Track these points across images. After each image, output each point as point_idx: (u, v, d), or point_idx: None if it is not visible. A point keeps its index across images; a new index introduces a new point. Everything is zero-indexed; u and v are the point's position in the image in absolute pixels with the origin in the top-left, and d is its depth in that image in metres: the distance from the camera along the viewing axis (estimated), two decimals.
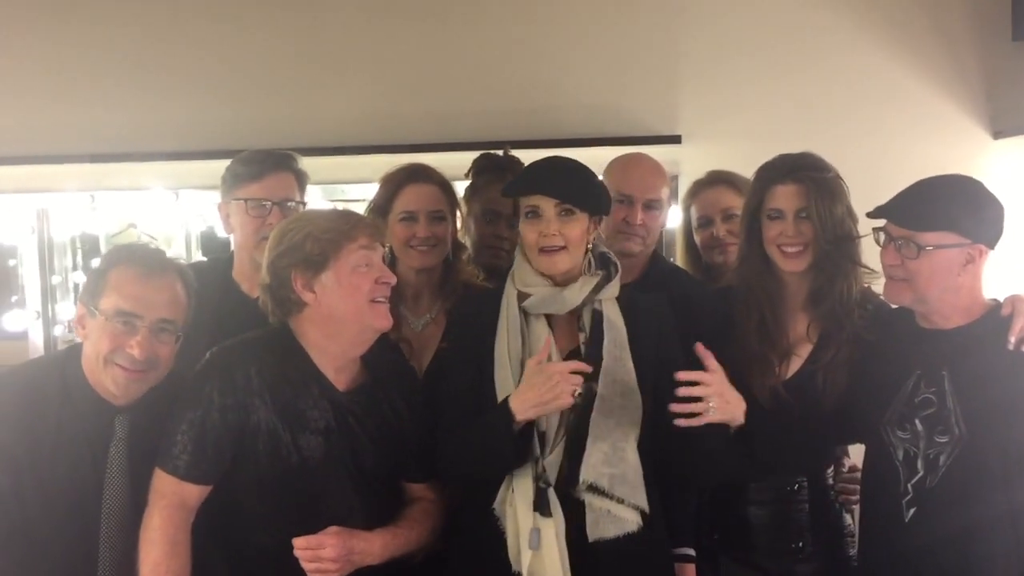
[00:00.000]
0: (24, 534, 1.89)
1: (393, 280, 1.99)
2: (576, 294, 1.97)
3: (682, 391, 1.86)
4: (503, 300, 2.00)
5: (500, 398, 1.90)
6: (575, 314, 1.99)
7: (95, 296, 1.93)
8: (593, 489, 1.88)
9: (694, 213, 2.70)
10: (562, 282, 1.96)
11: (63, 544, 1.91)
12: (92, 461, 1.93)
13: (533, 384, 1.83)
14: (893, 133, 3.37)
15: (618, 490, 1.89)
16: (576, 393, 1.83)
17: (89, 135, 3.57)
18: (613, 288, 2.00)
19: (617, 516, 1.90)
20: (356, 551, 1.92)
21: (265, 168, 2.39)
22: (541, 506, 1.87)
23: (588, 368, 1.86)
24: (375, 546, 1.95)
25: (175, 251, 3.81)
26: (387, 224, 2.33)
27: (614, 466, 1.90)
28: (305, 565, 1.89)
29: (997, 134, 3.41)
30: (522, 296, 1.97)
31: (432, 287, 2.39)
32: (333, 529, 1.91)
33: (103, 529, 1.94)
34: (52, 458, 1.90)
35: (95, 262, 3.78)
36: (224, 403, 1.90)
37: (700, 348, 1.91)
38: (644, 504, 1.92)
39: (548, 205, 1.94)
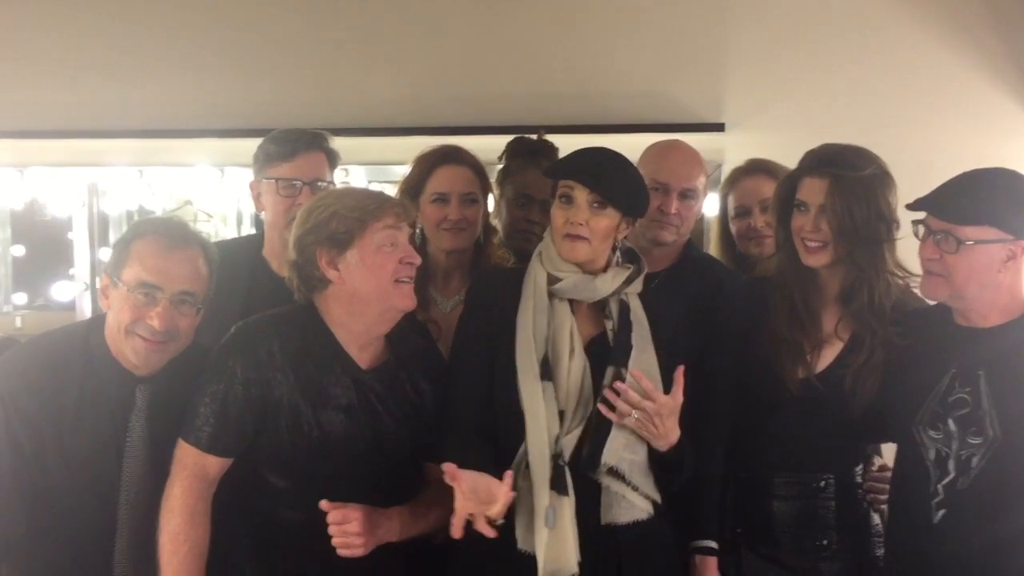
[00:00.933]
0: (46, 500, 1.92)
1: (418, 260, 1.98)
2: (608, 284, 1.97)
3: (621, 386, 1.86)
4: (529, 280, 1.99)
5: (521, 371, 1.90)
6: (599, 303, 1.99)
7: (118, 267, 1.96)
8: (612, 473, 1.89)
9: (731, 202, 2.64)
10: (588, 271, 1.96)
11: (83, 511, 1.94)
12: (113, 430, 1.96)
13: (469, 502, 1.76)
14: (944, 125, 3.30)
15: (635, 477, 1.91)
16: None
17: (138, 111, 3.64)
18: (639, 283, 2.01)
19: (631, 502, 1.91)
20: (379, 527, 1.92)
21: (297, 148, 2.39)
22: (558, 484, 1.86)
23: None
24: (395, 523, 1.95)
25: (230, 229, 3.88)
26: (418, 205, 2.32)
27: (635, 453, 1.91)
28: (335, 540, 1.89)
29: None
30: (551, 279, 1.96)
31: (462, 269, 2.39)
32: (356, 505, 1.91)
33: (122, 497, 1.97)
34: (74, 426, 1.93)
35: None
36: (247, 377, 1.92)
37: (679, 374, 1.89)
38: (657, 495, 1.94)
39: (582, 193, 1.93)
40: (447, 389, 2.03)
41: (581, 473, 1.89)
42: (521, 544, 1.87)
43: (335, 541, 1.89)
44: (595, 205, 1.93)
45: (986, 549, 1.85)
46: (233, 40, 3.61)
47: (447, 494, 2.03)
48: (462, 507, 1.75)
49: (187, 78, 3.63)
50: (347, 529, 1.88)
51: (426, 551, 2.05)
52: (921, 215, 1.95)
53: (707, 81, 3.41)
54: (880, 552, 2.14)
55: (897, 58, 3.35)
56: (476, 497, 1.75)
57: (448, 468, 1.77)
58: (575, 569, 1.85)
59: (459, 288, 2.38)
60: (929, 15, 3.33)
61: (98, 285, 2.09)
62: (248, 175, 3.71)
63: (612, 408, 1.87)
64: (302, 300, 2.03)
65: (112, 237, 3.92)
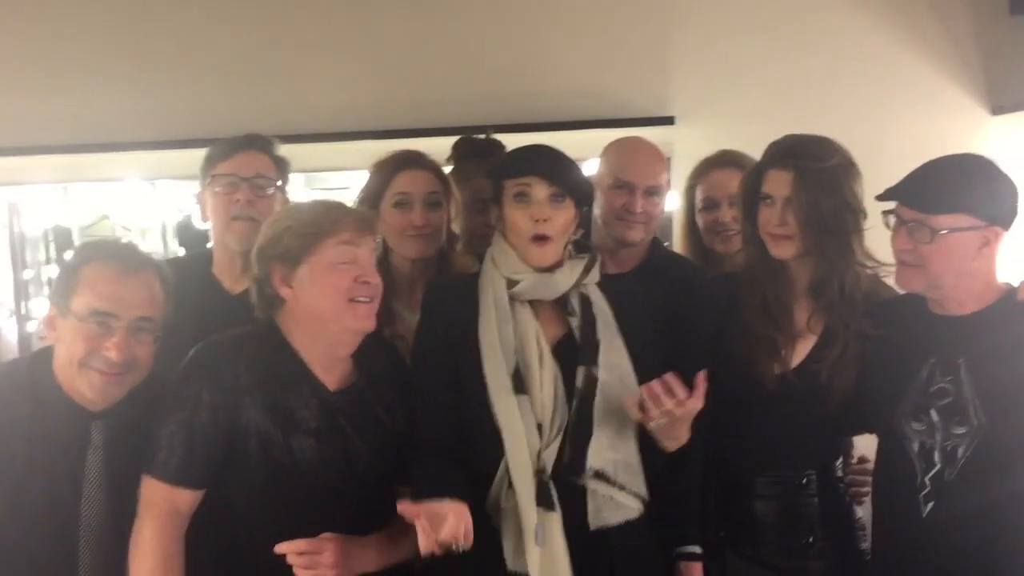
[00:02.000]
0: None
1: (375, 280, 1.89)
2: (567, 278, 1.92)
3: (656, 389, 1.79)
4: (486, 288, 1.92)
5: (492, 388, 1.84)
6: (559, 300, 1.93)
7: (66, 296, 1.83)
8: (599, 476, 1.84)
9: (699, 194, 2.58)
10: (545, 268, 1.91)
11: (40, 560, 1.82)
12: (68, 470, 1.83)
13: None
14: (891, 111, 3.30)
15: (621, 476, 1.87)
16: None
17: (61, 125, 3.45)
18: (596, 272, 1.96)
19: (620, 503, 1.87)
20: (354, 556, 1.84)
21: (235, 146, 2.32)
22: (544, 500, 1.81)
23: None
24: (371, 552, 1.87)
25: (150, 242, 3.72)
26: (379, 213, 2.24)
27: (617, 451, 1.87)
28: (301, 573, 1.80)
29: (996, 110, 3.35)
30: (509, 282, 1.90)
31: (426, 279, 2.30)
32: (329, 535, 1.82)
33: (82, 542, 1.84)
34: (25, 469, 1.80)
35: (67, 255, 3.76)
36: (214, 402, 1.82)
37: (701, 379, 1.84)
38: (644, 491, 1.90)
39: (541, 189, 1.88)
40: (410, 410, 1.95)
41: (565, 482, 1.83)
42: (512, 565, 1.81)
43: (304, 574, 1.80)
44: (556, 198, 1.88)
45: (978, 538, 1.83)
46: (159, 50, 3.45)
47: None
48: (425, 544, 1.68)
49: (112, 90, 3.46)
50: (320, 560, 1.80)
51: None
52: (891, 205, 1.93)
53: (654, 74, 3.36)
54: (865, 546, 2.12)
55: (846, 46, 3.34)
56: (440, 528, 1.69)
57: (403, 509, 1.71)
58: None
59: None
60: (872, 2, 3.34)
61: (42, 311, 1.94)
62: (179, 187, 3.68)
63: (643, 409, 1.80)
64: (263, 319, 1.94)
65: (30, 258, 3.75)
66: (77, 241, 3.72)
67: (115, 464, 1.85)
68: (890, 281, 2.06)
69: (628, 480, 1.87)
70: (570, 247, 1.95)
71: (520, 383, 1.86)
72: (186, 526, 1.83)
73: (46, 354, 1.88)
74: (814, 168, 1.99)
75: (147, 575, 1.77)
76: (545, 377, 1.87)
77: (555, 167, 1.90)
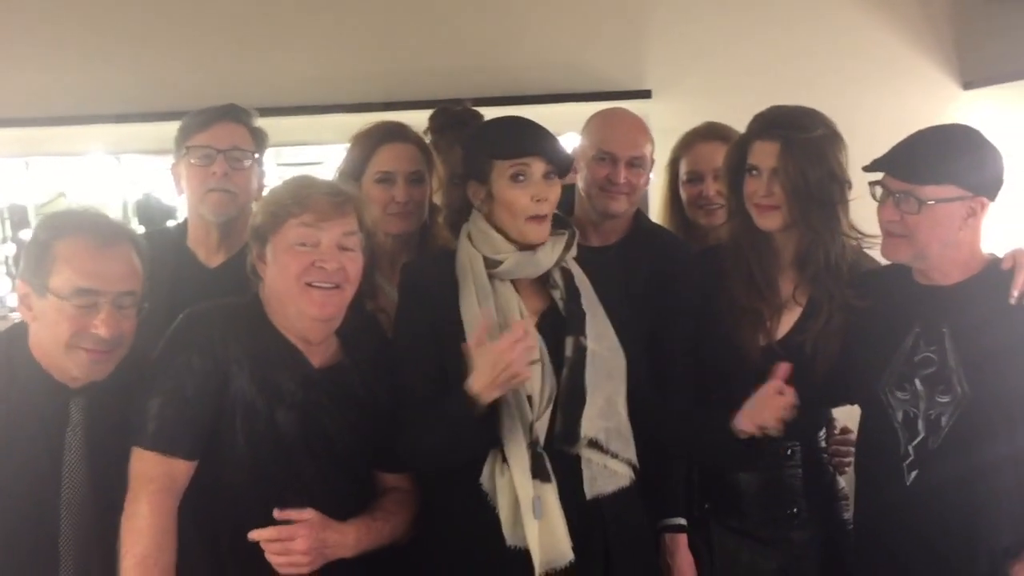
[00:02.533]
0: None
1: (331, 266, 1.82)
2: (550, 255, 1.91)
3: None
4: (463, 266, 1.89)
5: None
6: (541, 275, 1.92)
7: (41, 273, 1.76)
8: (592, 444, 1.84)
9: (683, 166, 2.57)
10: (529, 246, 1.88)
11: (21, 542, 1.76)
12: (48, 450, 1.78)
13: (482, 366, 1.73)
14: (864, 85, 3.31)
15: (613, 444, 1.87)
16: (532, 361, 1.77)
17: (22, 97, 3.35)
18: (575, 247, 1.95)
19: (613, 471, 1.87)
20: (329, 543, 1.80)
21: (212, 117, 2.27)
22: (540, 472, 1.79)
23: (530, 331, 1.78)
24: (349, 538, 1.84)
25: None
26: (359, 187, 2.19)
27: (608, 419, 1.87)
28: (273, 558, 1.77)
29: (967, 84, 3.38)
30: (489, 262, 1.88)
31: (409, 252, 2.27)
32: (308, 514, 1.79)
33: (64, 522, 1.79)
34: (3, 451, 1.75)
35: (24, 233, 3.66)
36: (204, 369, 1.78)
37: (784, 369, 1.85)
38: (635, 459, 1.90)
39: (539, 167, 1.86)
40: (398, 391, 1.91)
41: (558, 452, 1.82)
42: (511, 540, 1.79)
43: (276, 560, 1.77)
44: (550, 176, 1.87)
45: (961, 506, 1.85)
46: (127, 18, 3.36)
47: (404, 503, 1.96)
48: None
49: (75, 61, 3.37)
50: (292, 547, 1.77)
51: (384, 562, 1.93)
52: (877, 176, 1.93)
53: (631, 48, 3.34)
54: (847, 515, 2.14)
55: (822, 21, 3.35)
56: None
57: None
58: (570, 555, 1.78)
59: None
60: None
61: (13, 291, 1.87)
62: (145, 162, 3.60)
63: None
64: (250, 293, 1.92)
65: None
66: (33, 219, 3.64)
67: (96, 440, 1.81)
68: (873, 253, 2.07)
69: (620, 448, 1.87)
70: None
71: None
72: (178, 501, 1.79)
73: (20, 331, 1.82)
74: (800, 138, 1.99)
75: (142, 553, 1.72)
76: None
77: (549, 144, 1.89)
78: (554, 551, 1.77)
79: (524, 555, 1.77)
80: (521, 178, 1.85)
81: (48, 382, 1.79)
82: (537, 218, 1.86)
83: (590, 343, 1.87)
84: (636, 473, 1.90)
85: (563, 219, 1.97)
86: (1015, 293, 1.85)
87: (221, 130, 2.25)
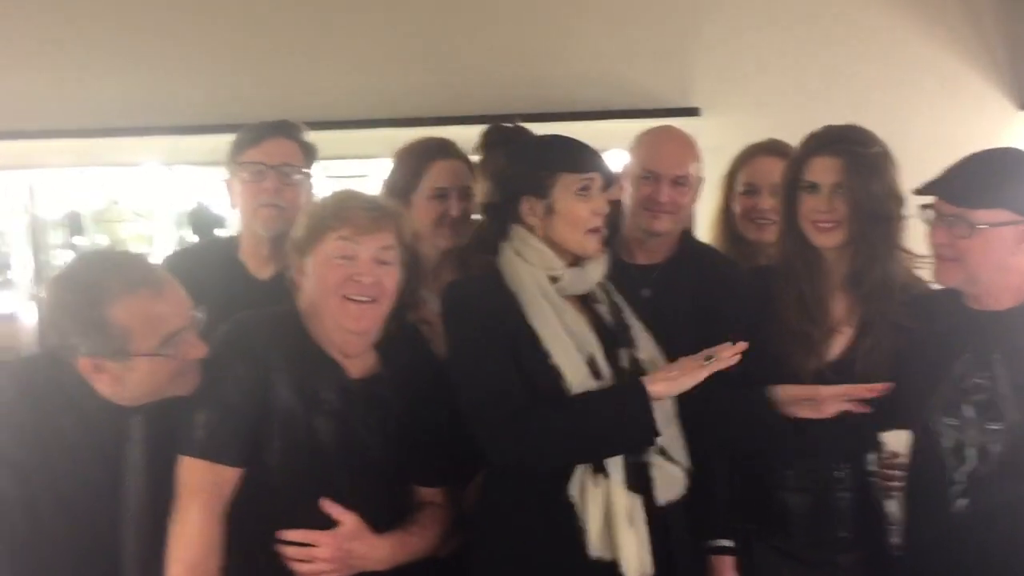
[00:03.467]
0: (37, 546, 1.76)
1: (368, 280, 1.83)
2: (597, 271, 1.95)
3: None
4: (523, 282, 1.88)
5: (572, 380, 1.82)
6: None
7: (113, 345, 1.71)
8: (661, 452, 1.88)
9: (741, 178, 2.57)
10: (575, 261, 1.91)
11: (87, 555, 1.78)
12: (108, 467, 1.79)
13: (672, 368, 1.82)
14: (917, 105, 3.31)
15: (675, 452, 1.91)
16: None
17: (80, 108, 3.45)
18: (606, 265, 1.99)
19: (676, 477, 1.90)
20: (356, 554, 1.81)
21: (263, 133, 2.31)
22: (634, 482, 1.83)
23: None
24: (383, 552, 1.85)
25: (160, 227, 3.71)
26: (408, 202, 2.22)
27: (669, 428, 1.89)
28: (296, 566, 1.79)
29: (1023, 105, 3.32)
30: (550, 278, 1.90)
31: (451, 264, 2.30)
32: (349, 516, 1.81)
33: (125, 535, 1.81)
34: (66, 469, 1.77)
35: (77, 240, 3.74)
36: (249, 376, 1.80)
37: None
38: (689, 464, 1.93)
39: (598, 182, 1.91)
40: (472, 397, 1.84)
41: (632, 463, 1.84)
42: (598, 552, 1.80)
43: (300, 568, 1.79)
44: (604, 191, 1.92)
45: (1010, 536, 1.82)
46: (183, 34, 3.46)
47: (438, 519, 1.97)
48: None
49: (133, 74, 3.46)
50: (315, 554, 1.78)
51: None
52: (929, 199, 1.91)
53: (679, 65, 3.36)
54: (895, 540, 2.10)
55: (871, 39, 3.35)
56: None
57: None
58: (651, 567, 1.81)
59: None
60: None
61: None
62: (197, 172, 3.67)
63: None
64: (290, 303, 1.94)
65: (45, 242, 3.73)
66: (89, 226, 3.72)
67: (154, 456, 1.82)
68: (922, 273, 2.04)
69: (680, 456, 1.91)
70: None
71: (596, 371, 1.86)
72: (227, 508, 1.80)
73: (65, 364, 1.78)
74: (863, 153, 1.99)
75: (192, 561, 1.74)
76: (600, 360, 1.88)
77: (604, 160, 1.95)
78: (642, 563, 1.80)
79: (605, 568, 1.78)
80: (585, 192, 1.88)
81: (107, 405, 1.79)
82: (595, 230, 1.89)
83: (643, 354, 1.91)
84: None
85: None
86: None
87: (272, 146, 2.29)
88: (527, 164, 1.95)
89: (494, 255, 1.98)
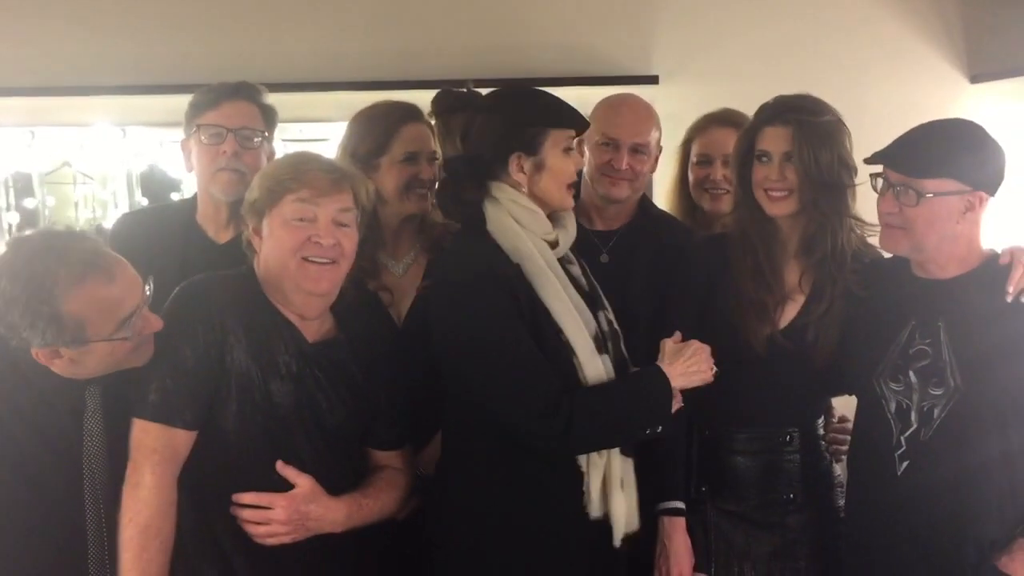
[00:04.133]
0: (10, 518, 1.77)
1: (327, 241, 1.83)
2: (574, 228, 2.00)
3: None
4: (525, 252, 1.85)
5: (583, 355, 1.85)
6: None
7: (68, 334, 1.69)
8: None
9: (695, 148, 2.58)
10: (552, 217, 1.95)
11: (50, 525, 1.78)
12: (66, 439, 1.79)
13: (682, 357, 1.89)
14: (872, 76, 3.32)
15: None
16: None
17: (30, 66, 3.35)
18: None
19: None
20: (312, 517, 1.83)
21: (222, 95, 2.26)
22: (626, 448, 1.93)
23: None
24: (338, 514, 1.86)
25: (112, 189, 3.65)
26: (375, 166, 2.20)
27: None
28: (250, 528, 1.80)
29: (974, 78, 3.39)
30: (550, 244, 1.92)
31: (411, 228, 2.29)
32: (304, 479, 1.82)
33: (87, 505, 1.80)
34: (25, 444, 1.77)
35: (28, 202, 3.67)
36: (205, 339, 1.79)
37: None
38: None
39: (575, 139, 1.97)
40: (490, 370, 1.83)
41: None
42: (596, 512, 1.89)
43: (255, 530, 1.80)
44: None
45: (948, 490, 1.88)
46: None
47: (396, 482, 1.99)
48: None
49: (86, 31, 3.36)
50: (270, 516, 1.80)
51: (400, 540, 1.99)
52: (879, 168, 1.95)
53: (639, 33, 3.34)
54: (842, 503, 2.16)
55: (829, 11, 3.35)
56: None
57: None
58: (638, 522, 1.93)
59: (409, 248, 2.29)
60: None
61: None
62: (150, 134, 3.60)
63: None
64: (246, 266, 1.93)
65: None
66: (37, 188, 3.65)
67: (112, 422, 1.81)
68: (873, 241, 2.09)
69: None
70: None
71: (602, 344, 1.91)
72: (180, 471, 1.80)
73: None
74: (812, 122, 2.01)
75: (145, 522, 1.73)
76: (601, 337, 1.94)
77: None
78: (630, 520, 1.91)
79: (598, 526, 1.89)
80: (571, 149, 1.92)
81: (60, 378, 1.78)
82: (572, 185, 1.94)
83: (613, 316, 1.98)
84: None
85: None
86: (1010, 290, 1.87)
87: (231, 108, 2.25)
88: (515, 119, 1.91)
89: (456, 219, 1.98)
